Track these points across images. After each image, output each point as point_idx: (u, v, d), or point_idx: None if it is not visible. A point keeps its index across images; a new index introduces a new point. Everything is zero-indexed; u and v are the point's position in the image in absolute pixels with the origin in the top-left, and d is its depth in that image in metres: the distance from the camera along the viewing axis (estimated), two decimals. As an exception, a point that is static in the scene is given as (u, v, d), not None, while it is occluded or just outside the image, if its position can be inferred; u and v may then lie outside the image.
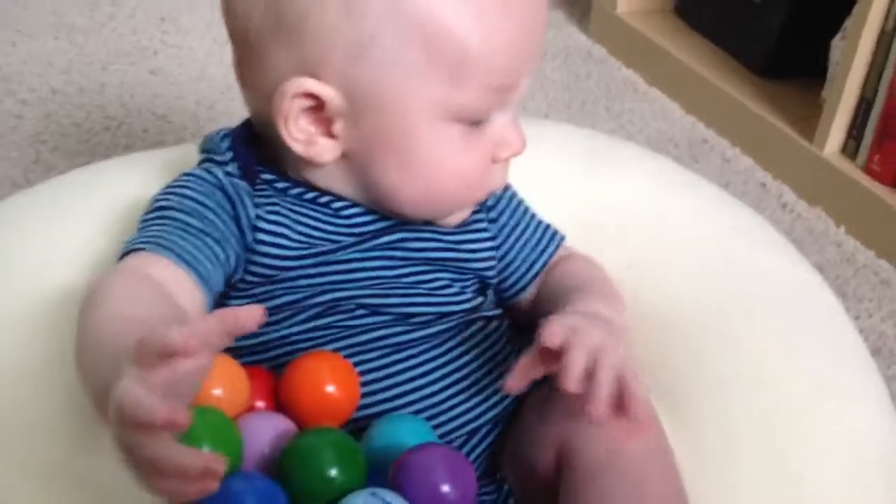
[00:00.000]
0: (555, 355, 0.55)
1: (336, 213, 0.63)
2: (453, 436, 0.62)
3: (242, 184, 0.63)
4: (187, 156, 0.74)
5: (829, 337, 0.73)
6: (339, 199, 0.63)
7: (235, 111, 1.36)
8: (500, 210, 0.71)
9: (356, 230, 0.64)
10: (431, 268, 0.65)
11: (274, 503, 0.50)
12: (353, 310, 0.62)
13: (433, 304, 0.64)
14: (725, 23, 1.55)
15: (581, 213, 0.78)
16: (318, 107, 0.59)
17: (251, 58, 0.61)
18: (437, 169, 0.60)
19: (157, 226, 0.60)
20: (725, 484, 0.62)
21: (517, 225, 0.71)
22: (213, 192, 0.62)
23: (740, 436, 0.64)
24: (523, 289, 0.71)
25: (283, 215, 0.62)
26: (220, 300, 0.62)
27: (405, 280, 0.64)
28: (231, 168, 0.63)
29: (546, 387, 0.60)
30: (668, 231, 0.79)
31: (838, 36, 1.35)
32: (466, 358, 0.64)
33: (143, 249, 0.58)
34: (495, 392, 0.64)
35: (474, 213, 0.68)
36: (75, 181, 0.80)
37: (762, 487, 0.62)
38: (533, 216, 0.73)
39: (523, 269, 0.71)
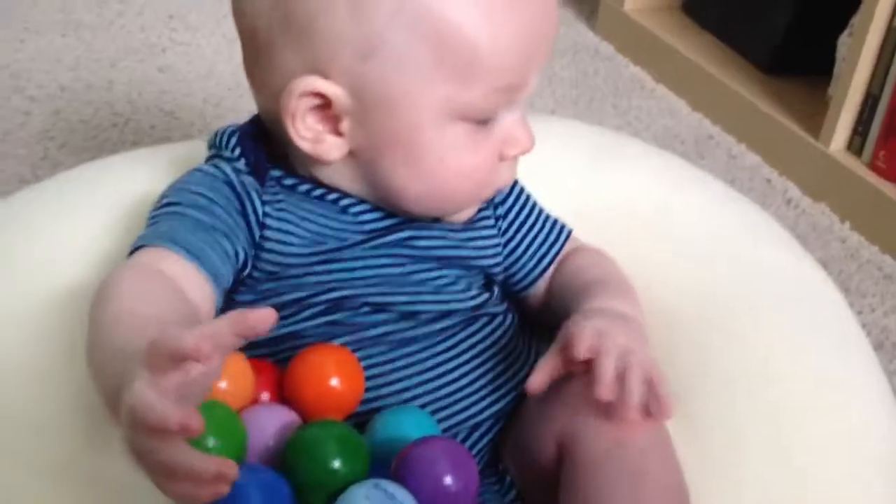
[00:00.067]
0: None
1: (343, 211, 0.64)
2: (456, 430, 0.63)
3: (251, 180, 0.63)
4: (194, 152, 0.75)
5: (833, 333, 0.73)
6: (347, 196, 0.64)
7: (243, 108, 1.37)
8: (508, 206, 0.71)
9: (363, 228, 0.64)
10: (438, 265, 0.65)
11: (278, 495, 0.51)
12: (358, 307, 0.62)
13: (439, 302, 0.64)
14: (732, 20, 1.55)
15: (587, 208, 0.78)
16: (325, 105, 0.59)
17: (260, 56, 0.62)
18: (445, 167, 0.61)
19: (166, 221, 0.60)
20: (729, 479, 0.62)
21: (525, 220, 0.72)
22: (222, 187, 0.62)
23: (745, 431, 0.64)
24: (533, 283, 0.72)
25: (291, 212, 0.63)
26: (228, 295, 0.63)
27: (412, 278, 0.64)
28: (239, 164, 0.64)
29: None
30: (674, 227, 0.79)
31: (845, 33, 1.35)
32: (471, 353, 0.64)
33: (153, 245, 0.58)
34: (499, 387, 0.64)
35: (481, 209, 0.69)
36: (82, 177, 0.80)
37: (766, 483, 0.62)
38: (541, 211, 0.73)
39: (532, 263, 0.71)
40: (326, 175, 0.63)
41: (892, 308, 1.12)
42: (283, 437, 0.55)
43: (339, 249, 0.63)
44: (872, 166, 1.27)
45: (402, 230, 0.65)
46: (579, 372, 0.57)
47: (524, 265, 0.71)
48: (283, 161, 0.65)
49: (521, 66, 0.60)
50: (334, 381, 0.58)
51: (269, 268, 0.62)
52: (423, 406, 0.62)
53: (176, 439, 0.42)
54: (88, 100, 1.37)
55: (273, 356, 0.61)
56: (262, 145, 0.65)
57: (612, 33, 1.67)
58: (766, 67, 1.48)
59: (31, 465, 0.58)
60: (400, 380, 0.62)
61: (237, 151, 0.64)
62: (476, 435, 0.64)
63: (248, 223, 0.62)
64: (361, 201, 0.64)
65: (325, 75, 0.58)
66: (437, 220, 0.66)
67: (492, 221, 0.70)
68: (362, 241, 0.64)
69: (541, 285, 0.72)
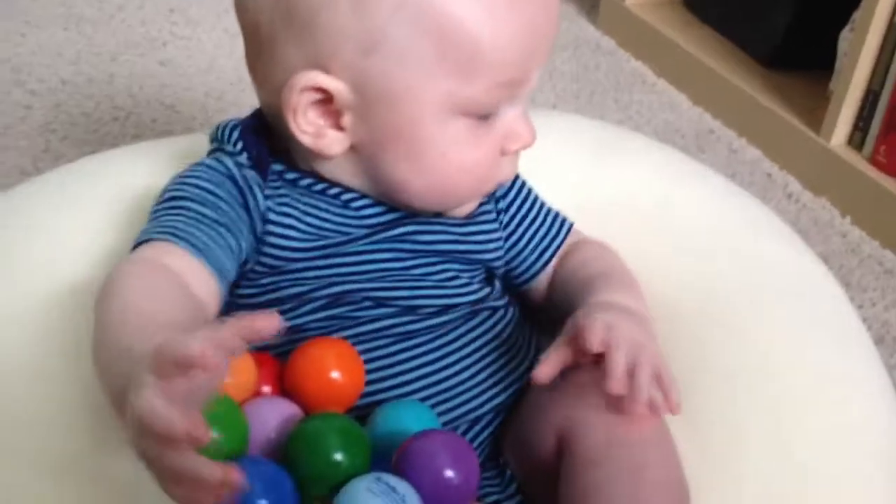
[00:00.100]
0: (580, 342, 0.57)
1: (345, 205, 0.64)
2: (457, 423, 0.63)
3: (253, 174, 0.63)
4: (196, 145, 0.75)
5: (833, 327, 0.73)
6: (348, 191, 0.64)
7: (244, 102, 1.37)
8: (509, 199, 0.71)
9: (365, 222, 0.64)
10: (440, 259, 0.66)
11: (280, 487, 0.51)
12: (359, 302, 0.62)
13: (440, 297, 0.64)
14: (733, 15, 1.55)
15: (589, 203, 0.78)
16: (327, 100, 0.59)
17: (262, 51, 0.62)
18: (446, 162, 0.61)
19: (170, 216, 0.60)
20: (730, 473, 0.62)
21: (527, 214, 0.72)
22: (224, 181, 0.62)
23: (745, 425, 0.64)
24: (534, 276, 0.72)
25: (293, 206, 0.63)
26: (230, 289, 0.63)
27: (413, 272, 0.64)
28: (241, 158, 0.64)
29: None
30: (675, 221, 0.79)
31: (846, 28, 1.35)
32: (471, 347, 0.64)
33: (157, 240, 0.58)
34: (499, 381, 0.65)
35: (482, 203, 0.69)
36: (83, 170, 0.80)
37: (767, 477, 0.62)
38: (542, 204, 0.73)
39: (534, 257, 0.71)
40: (328, 169, 0.63)
41: (893, 302, 1.13)
42: (284, 430, 0.56)
43: (340, 244, 0.63)
44: (873, 161, 1.27)
45: (403, 225, 0.65)
46: (585, 364, 0.58)
47: (526, 258, 0.71)
48: (284, 155, 0.65)
49: (523, 60, 0.60)
50: (335, 374, 0.59)
51: (271, 262, 0.62)
52: (423, 399, 0.62)
53: (182, 446, 0.42)
54: (90, 93, 1.37)
55: (274, 349, 0.61)
56: (264, 139, 0.65)
57: (614, 28, 1.67)
58: (767, 62, 1.48)
59: (33, 464, 0.58)
60: (400, 373, 0.62)
61: (239, 145, 0.64)
62: (476, 428, 0.64)
63: (250, 217, 0.62)
64: (363, 196, 0.64)
65: (326, 70, 0.58)
66: (438, 214, 0.66)
67: (493, 215, 0.70)
68: (364, 236, 0.64)
69: (542, 278, 0.72)
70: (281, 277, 0.62)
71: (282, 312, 0.61)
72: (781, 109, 1.38)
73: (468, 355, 0.64)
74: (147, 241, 0.59)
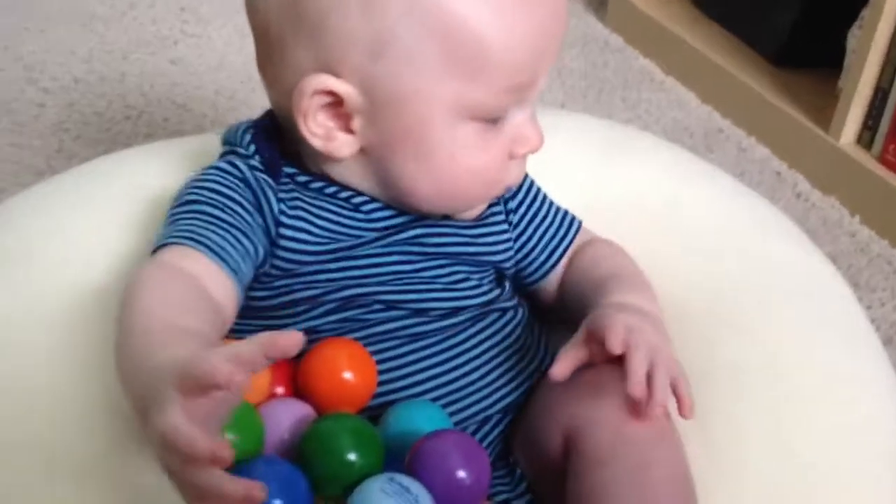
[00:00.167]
0: (598, 341, 0.58)
1: (356, 209, 0.64)
2: (467, 423, 0.64)
3: (265, 177, 0.63)
4: (207, 145, 0.76)
5: (841, 327, 0.73)
6: (359, 194, 0.64)
7: (254, 101, 1.38)
8: (518, 200, 0.72)
9: (376, 225, 0.64)
10: (449, 262, 0.66)
11: (295, 487, 0.52)
12: (370, 305, 0.63)
13: (450, 299, 0.65)
14: (742, 12, 1.55)
15: (597, 203, 0.78)
16: (336, 103, 0.60)
17: (272, 53, 0.62)
18: (454, 166, 0.61)
19: (186, 220, 0.60)
20: (736, 473, 0.62)
21: (536, 214, 0.72)
22: (238, 185, 0.63)
23: (752, 425, 0.65)
24: (544, 276, 0.72)
25: (305, 209, 0.63)
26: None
27: (423, 275, 0.65)
28: (254, 161, 0.64)
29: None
30: (683, 221, 0.80)
31: (855, 25, 1.35)
32: (481, 349, 0.65)
33: (176, 244, 0.59)
34: (509, 381, 0.65)
35: (492, 205, 0.69)
36: (97, 170, 0.80)
37: (774, 477, 0.62)
38: (551, 204, 0.73)
39: (543, 257, 0.72)
40: (338, 172, 0.64)
41: (902, 302, 1.13)
42: (298, 431, 0.56)
43: (352, 247, 0.64)
44: (882, 160, 1.27)
45: (413, 227, 0.65)
46: (600, 363, 0.59)
47: (535, 258, 0.72)
48: (296, 158, 0.65)
49: (531, 64, 0.60)
50: (347, 375, 0.59)
51: (284, 265, 0.63)
52: (434, 400, 0.62)
53: (206, 464, 0.43)
54: (102, 92, 1.38)
55: (287, 352, 0.62)
56: (276, 142, 0.66)
57: (622, 25, 1.67)
58: (775, 60, 1.48)
59: (56, 467, 0.59)
60: (411, 374, 0.63)
61: (252, 148, 0.65)
62: (486, 428, 0.65)
63: (264, 220, 0.62)
64: (373, 199, 0.64)
65: (336, 73, 0.59)
66: (447, 217, 0.66)
67: (502, 216, 0.70)
68: (374, 239, 0.64)
69: (552, 278, 0.73)
70: (294, 280, 0.63)
71: (294, 315, 0.62)
72: (790, 108, 1.39)
73: (478, 356, 0.65)
74: (165, 245, 0.59)
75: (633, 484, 0.55)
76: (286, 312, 0.63)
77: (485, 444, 0.64)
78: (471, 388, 0.64)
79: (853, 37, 1.35)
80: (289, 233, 0.62)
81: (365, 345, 0.61)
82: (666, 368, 0.56)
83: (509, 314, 0.68)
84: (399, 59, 0.58)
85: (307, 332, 0.61)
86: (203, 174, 0.64)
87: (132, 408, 0.50)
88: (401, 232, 0.65)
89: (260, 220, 0.62)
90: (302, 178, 0.64)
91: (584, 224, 0.74)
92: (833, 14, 1.41)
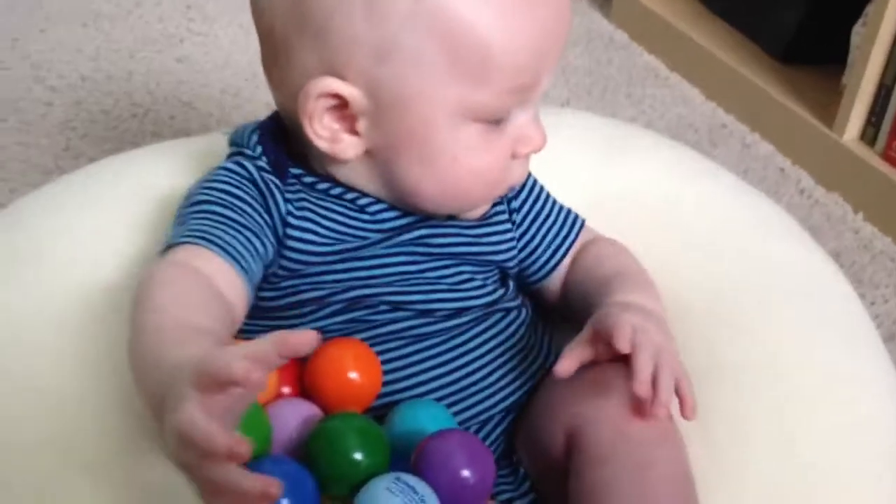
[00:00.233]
0: (603, 340, 0.58)
1: (362, 210, 0.65)
2: (471, 422, 0.64)
3: (273, 178, 0.64)
4: (214, 145, 0.76)
5: (842, 327, 0.73)
6: (364, 195, 0.65)
7: (260, 98, 1.38)
8: (522, 199, 0.72)
9: (381, 226, 0.65)
10: (454, 262, 0.67)
11: (303, 486, 0.52)
12: (376, 306, 0.64)
13: (454, 300, 0.66)
14: (747, 8, 1.55)
15: (598, 201, 0.79)
16: (342, 105, 0.60)
17: (277, 56, 0.63)
18: (458, 167, 0.62)
19: (197, 220, 0.61)
20: (737, 473, 0.63)
21: (540, 212, 0.73)
22: (247, 185, 0.63)
23: (753, 425, 0.65)
24: (548, 275, 0.73)
25: (312, 210, 0.64)
26: (252, 291, 0.64)
27: (428, 276, 0.65)
28: (262, 162, 0.65)
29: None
30: (684, 220, 0.80)
31: (859, 22, 1.36)
32: (485, 349, 0.66)
33: (187, 243, 0.59)
34: (513, 381, 0.66)
35: (495, 204, 0.70)
36: (106, 170, 0.81)
37: (774, 477, 0.63)
38: (554, 202, 0.74)
39: (547, 255, 0.72)
40: (343, 174, 0.64)
41: (905, 298, 1.13)
42: (305, 430, 0.57)
43: (357, 248, 0.64)
44: (886, 156, 1.27)
45: (418, 228, 0.66)
46: (604, 362, 0.59)
47: (539, 257, 0.72)
48: (302, 159, 0.66)
49: (534, 66, 0.60)
50: (353, 375, 0.60)
51: (291, 265, 0.63)
52: (438, 399, 0.63)
53: (223, 460, 0.43)
54: (109, 90, 1.39)
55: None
56: (282, 143, 0.66)
57: (627, 21, 1.67)
58: (780, 56, 1.48)
59: (68, 463, 0.59)
60: (416, 374, 0.63)
61: (259, 149, 0.65)
62: (489, 427, 0.65)
63: (272, 220, 0.63)
64: (378, 200, 0.65)
65: (341, 76, 0.59)
66: (451, 217, 0.67)
67: (506, 216, 0.71)
68: (380, 240, 0.65)
69: (556, 276, 0.73)
70: (300, 281, 0.64)
71: (301, 315, 0.63)
72: (794, 104, 1.39)
73: (482, 356, 0.65)
74: (177, 244, 0.60)
75: (634, 483, 0.56)
76: (293, 313, 0.64)
77: (488, 443, 0.65)
78: (475, 388, 0.64)
79: (857, 33, 1.35)
80: (296, 233, 0.63)
81: (370, 345, 0.62)
82: (670, 369, 0.56)
83: (513, 314, 0.69)
84: (403, 62, 0.58)
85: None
86: (212, 175, 0.65)
87: (146, 405, 0.51)
88: (406, 232, 0.66)
89: (268, 220, 0.63)
90: (308, 180, 0.65)
91: (586, 222, 0.75)
92: (837, 10, 1.41)
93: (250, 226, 0.61)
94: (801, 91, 1.41)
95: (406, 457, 0.57)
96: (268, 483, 0.43)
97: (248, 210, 0.62)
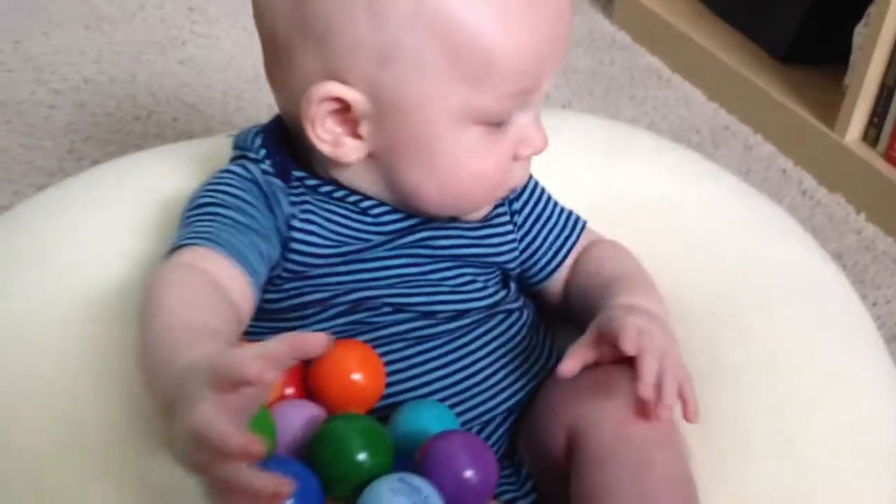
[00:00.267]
0: (607, 341, 0.59)
1: (364, 212, 0.65)
2: (473, 423, 0.65)
3: (277, 181, 0.64)
4: (218, 148, 0.76)
5: (842, 327, 0.73)
6: (367, 198, 0.65)
7: (262, 101, 1.39)
8: (523, 200, 0.73)
9: (383, 229, 0.65)
10: (456, 264, 0.67)
11: (307, 487, 0.52)
12: (379, 307, 0.64)
13: (456, 301, 0.66)
14: (749, 9, 1.55)
15: (599, 203, 0.79)
16: (344, 108, 0.61)
17: (279, 59, 0.63)
18: (460, 169, 0.62)
19: (203, 222, 0.61)
20: (737, 473, 0.63)
21: (541, 214, 0.73)
22: (252, 188, 0.64)
23: (753, 426, 0.65)
24: (549, 276, 0.73)
25: (315, 213, 0.64)
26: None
27: (430, 277, 0.66)
28: (265, 165, 0.65)
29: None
30: (685, 222, 0.80)
31: (861, 23, 1.36)
32: (487, 350, 0.66)
33: (194, 244, 0.59)
34: (514, 382, 0.66)
35: (497, 206, 0.70)
36: (110, 173, 0.81)
37: (774, 477, 0.63)
38: (556, 204, 0.74)
39: (548, 257, 0.73)
40: (346, 177, 0.64)
41: (907, 299, 1.13)
42: (309, 431, 0.57)
43: (360, 251, 0.64)
44: (888, 157, 1.27)
45: (420, 230, 0.66)
46: (607, 363, 0.60)
47: (540, 258, 0.73)
48: (305, 162, 0.66)
49: (535, 69, 0.61)
50: (356, 376, 0.60)
51: (294, 267, 0.64)
52: (441, 400, 0.63)
53: (237, 459, 0.44)
54: (112, 92, 1.39)
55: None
56: (285, 146, 0.67)
57: (629, 23, 1.68)
58: (782, 57, 1.49)
59: (75, 464, 0.59)
60: (418, 375, 0.64)
61: (262, 152, 0.66)
62: (492, 427, 0.66)
63: (276, 223, 0.63)
64: (380, 203, 0.65)
65: (343, 80, 0.60)
66: (453, 219, 0.67)
67: (507, 217, 0.71)
68: (382, 243, 0.65)
69: (557, 278, 0.73)
70: (303, 283, 0.64)
71: (304, 317, 0.63)
72: (796, 105, 1.39)
73: (483, 357, 0.66)
74: (183, 245, 0.60)
75: (634, 483, 0.56)
76: (296, 315, 0.64)
77: (490, 443, 0.65)
78: (477, 389, 0.65)
79: (859, 34, 1.35)
80: (299, 236, 0.63)
81: (373, 347, 0.62)
82: (674, 372, 0.57)
83: (514, 315, 0.69)
84: (405, 66, 0.58)
85: (317, 334, 0.63)
86: (217, 178, 0.65)
87: (155, 405, 0.51)
88: (408, 235, 0.66)
89: (273, 223, 0.63)
90: (311, 182, 0.65)
91: (588, 224, 0.75)
92: (839, 11, 1.41)
93: (256, 228, 0.62)
94: (803, 92, 1.42)
95: (409, 457, 0.57)
96: (279, 482, 0.44)
97: (254, 212, 0.62)
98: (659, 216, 0.80)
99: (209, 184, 0.65)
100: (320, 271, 0.64)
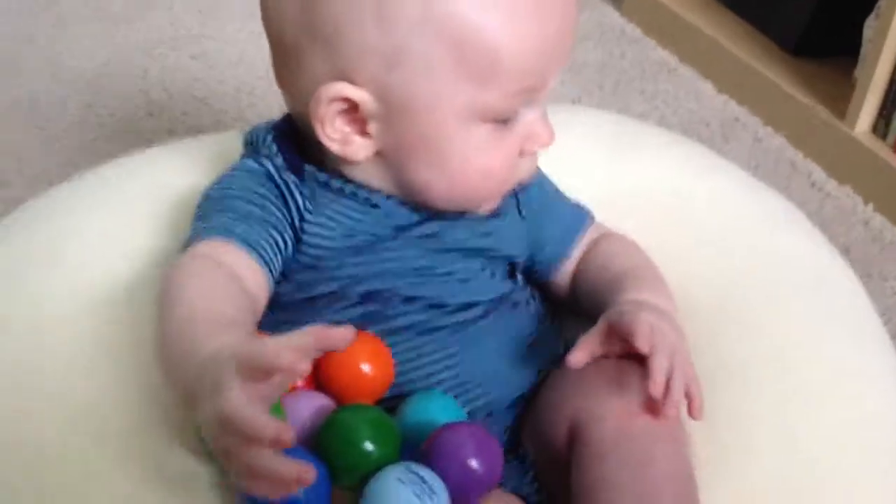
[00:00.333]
0: (616, 336, 0.60)
1: (374, 207, 0.66)
2: (479, 413, 0.65)
3: (291, 176, 0.65)
4: (230, 144, 0.76)
5: (849, 322, 0.74)
6: (376, 192, 0.66)
7: (274, 96, 1.37)
8: (530, 193, 0.73)
9: (393, 222, 0.66)
10: (464, 256, 0.68)
11: (317, 476, 0.53)
12: (388, 300, 0.65)
13: (465, 293, 0.67)
14: (759, 1, 1.55)
15: (609, 199, 0.79)
16: (352, 108, 0.61)
17: (287, 61, 0.64)
18: (468, 166, 0.63)
19: (219, 215, 0.63)
20: (742, 469, 0.63)
21: (547, 206, 0.74)
22: (266, 182, 0.65)
23: (758, 421, 0.65)
24: (556, 267, 0.74)
25: (327, 207, 0.65)
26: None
27: (439, 269, 0.66)
28: (278, 161, 0.66)
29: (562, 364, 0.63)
30: (695, 217, 0.80)
31: (871, 15, 1.35)
32: (494, 342, 0.67)
33: (211, 237, 0.61)
34: (520, 373, 0.67)
35: (504, 199, 0.70)
36: (121, 169, 0.82)
37: (780, 473, 0.63)
38: (562, 196, 0.75)
39: (555, 248, 0.73)
40: (355, 174, 0.65)
41: (915, 291, 1.13)
42: (317, 421, 0.58)
43: (371, 244, 0.65)
44: (897, 149, 1.28)
45: (429, 224, 0.67)
46: (614, 358, 0.61)
47: (547, 250, 0.73)
48: (315, 158, 0.67)
49: (541, 68, 0.62)
50: (365, 367, 0.61)
51: (306, 260, 0.65)
52: (447, 390, 0.64)
53: (265, 445, 0.45)
54: (124, 87, 1.40)
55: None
56: (296, 143, 0.67)
57: (639, 15, 1.67)
58: (792, 49, 1.48)
59: (89, 459, 0.60)
60: (426, 365, 0.64)
61: (274, 148, 0.66)
62: (497, 418, 0.66)
63: (291, 217, 0.64)
64: (389, 197, 0.66)
65: (351, 81, 0.61)
66: (462, 212, 0.68)
67: (515, 210, 0.72)
68: (393, 236, 0.66)
69: (565, 270, 0.74)
70: (315, 275, 0.65)
71: (315, 310, 0.64)
72: (806, 97, 1.39)
73: (491, 349, 0.66)
74: (199, 238, 0.61)
75: (634, 479, 0.57)
76: (307, 307, 0.65)
77: (495, 433, 0.65)
78: (483, 381, 0.65)
79: (869, 26, 1.35)
80: (312, 229, 0.64)
81: (382, 338, 0.63)
82: (683, 371, 0.58)
83: (521, 307, 0.70)
84: (413, 68, 0.59)
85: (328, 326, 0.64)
86: (231, 172, 0.66)
87: (177, 394, 0.52)
88: (417, 228, 0.67)
89: (287, 216, 0.64)
90: (322, 177, 0.66)
91: (598, 219, 0.75)
92: (849, 3, 1.41)
93: (270, 221, 0.63)
94: (814, 84, 1.41)
95: (416, 447, 0.58)
96: (303, 469, 0.45)
97: (269, 206, 0.64)
98: (669, 211, 0.80)
99: (224, 178, 0.66)
100: (331, 264, 0.65)
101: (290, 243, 0.64)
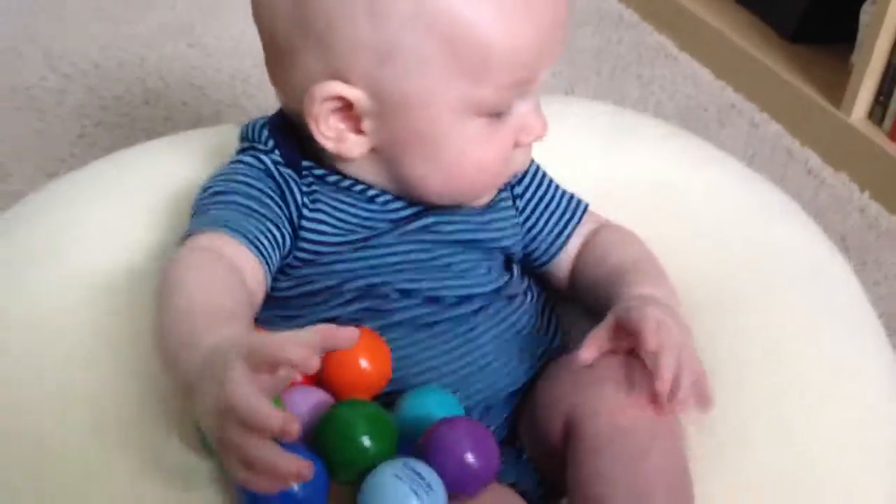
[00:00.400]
0: (624, 331, 0.60)
1: (371, 201, 0.66)
2: (476, 407, 0.66)
3: (288, 171, 0.66)
4: (229, 137, 0.77)
5: (845, 314, 0.74)
6: (372, 187, 0.66)
7: (270, 84, 1.39)
8: (525, 184, 0.74)
9: (390, 216, 0.66)
10: (461, 249, 0.68)
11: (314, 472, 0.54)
12: (386, 294, 0.65)
13: (462, 287, 0.67)
14: (756, -13, 1.55)
15: (602, 190, 0.79)
16: (346, 106, 0.62)
17: (280, 58, 0.64)
18: (462, 160, 0.63)
19: (218, 209, 0.63)
20: (738, 465, 0.63)
21: (543, 197, 0.74)
22: (264, 177, 0.65)
23: (754, 415, 0.65)
24: (552, 258, 0.74)
25: (324, 202, 0.65)
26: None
27: (436, 263, 0.67)
28: (275, 155, 0.66)
29: (557, 360, 0.64)
30: (689, 209, 0.80)
31: (868, 1, 1.35)
32: (490, 336, 0.67)
33: (210, 231, 0.61)
34: (516, 368, 0.67)
35: (499, 191, 0.71)
36: (120, 162, 0.82)
37: (775, 468, 0.63)
38: (557, 187, 0.75)
39: (551, 238, 0.74)
40: (351, 170, 0.66)
41: (910, 278, 1.14)
42: (315, 416, 0.58)
43: (368, 238, 0.66)
44: (893, 136, 1.27)
45: (425, 217, 0.67)
46: (621, 351, 0.61)
47: (543, 241, 0.74)
48: (311, 153, 0.67)
49: (533, 61, 0.62)
50: (363, 363, 0.61)
51: (304, 255, 0.65)
52: (444, 384, 0.65)
53: (267, 436, 0.46)
54: (121, 76, 1.40)
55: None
56: (291, 138, 0.67)
57: (636, 1, 1.67)
58: (789, 35, 1.48)
59: (89, 449, 0.61)
60: (423, 360, 0.65)
61: (271, 143, 0.67)
62: (494, 411, 0.67)
63: (289, 212, 0.64)
64: (385, 191, 0.66)
65: (345, 79, 0.61)
66: (458, 205, 0.68)
67: (510, 202, 0.72)
68: (389, 230, 0.66)
69: (562, 260, 0.74)
70: (313, 270, 0.65)
71: (314, 305, 0.65)
72: (803, 83, 1.39)
73: (487, 343, 0.67)
74: (199, 231, 0.61)
75: (628, 474, 0.57)
76: (305, 302, 0.65)
77: (492, 427, 0.66)
78: (480, 374, 0.66)
79: (866, 12, 1.35)
80: (309, 224, 0.65)
81: (380, 333, 0.63)
82: (690, 368, 0.58)
83: (518, 300, 0.70)
84: (406, 64, 0.59)
85: (325, 321, 0.64)
86: (229, 167, 0.66)
87: (177, 384, 0.53)
88: (414, 221, 0.67)
89: (285, 211, 0.64)
90: (318, 172, 0.66)
91: (594, 210, 0.76)
92: (846, -11, 1.41)
93: (269, 216, 0.63)
94: (810, 70, 1.41)
95: (413, 442, 0.58)
96: (303, 464, 0.46)
97: (267, 201, 0.64)
98: (664, 203, 0.80)
99: (222, 173, 0.66)
100: (329, 259, 0.65)
101: (287, 238, 0.64)
